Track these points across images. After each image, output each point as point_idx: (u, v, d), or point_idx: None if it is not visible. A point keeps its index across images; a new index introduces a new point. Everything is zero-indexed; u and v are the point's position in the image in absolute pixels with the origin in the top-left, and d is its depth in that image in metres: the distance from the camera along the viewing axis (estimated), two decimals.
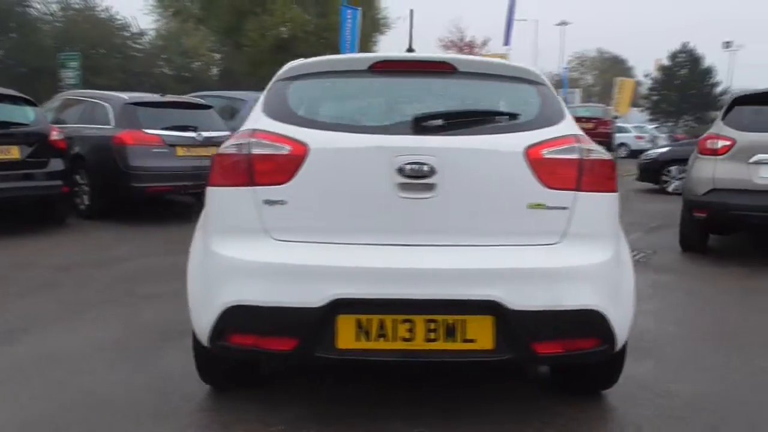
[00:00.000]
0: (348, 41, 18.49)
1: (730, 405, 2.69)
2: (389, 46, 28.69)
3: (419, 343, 2.14)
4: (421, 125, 2.23)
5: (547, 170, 2.20)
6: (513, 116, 2.36)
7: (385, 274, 2.13)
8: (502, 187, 2.20)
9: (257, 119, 2.41)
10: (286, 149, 2.21)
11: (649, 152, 13.34)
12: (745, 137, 5.25)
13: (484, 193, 2.19)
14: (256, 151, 2.24)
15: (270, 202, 2.20)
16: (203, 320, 2.28)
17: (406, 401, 2.65)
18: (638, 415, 2.57)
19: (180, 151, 7.11)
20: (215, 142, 7.43)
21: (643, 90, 49.63)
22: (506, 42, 21.93)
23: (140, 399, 2.66)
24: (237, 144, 2.30)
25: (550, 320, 2.13)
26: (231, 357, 2.44)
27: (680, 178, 11.20)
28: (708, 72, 46.69)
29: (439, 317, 2.13)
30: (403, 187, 2.16)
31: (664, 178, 12.34)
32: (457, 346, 2.14)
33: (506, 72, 2.55)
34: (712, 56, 57.20)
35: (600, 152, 2.31)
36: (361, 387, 2.78)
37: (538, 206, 2.19)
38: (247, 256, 2.20)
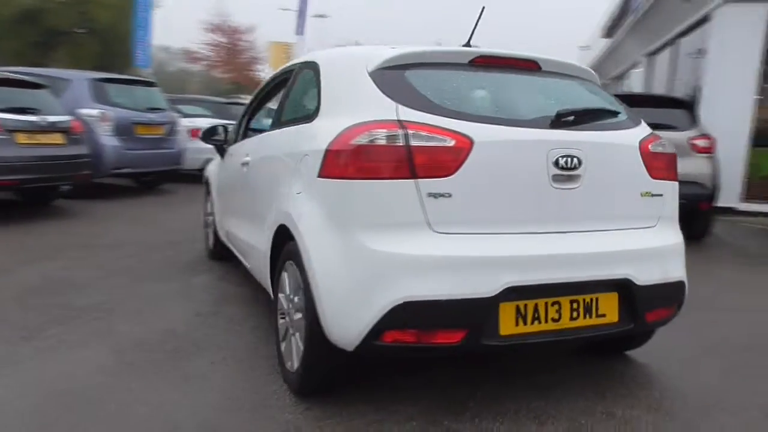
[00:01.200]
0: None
1: None
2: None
3: (565, 323, 2.31)
4: (561, 120, 2.38)
5: (652, 163, 2.53)
6: (616, 114, 2.64)
7: (547, 260, 2.25)
8: (625, 177, 2.47)
9: (387, 108, 2.28)
10: (449, 141, 2.17)
11: None
12: None
13: (613, 182, 2.44)
14: (415, 143, 2.16)
15: (434, 195, 2.15)
16: (356, 321, 2.14)
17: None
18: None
19: (21, 138, 5.93)
20: (61, 128, 6.37)
21: None
22: (299, 31, 22.10)
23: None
24: (387, 135, 2.18)
25: (661, 292, 2.47)
26: (383, 355, 2.31)
27: None
28: None
29: (579, 297, 2.33)
30: (556, 178, 2.29)
31: None
32: (593, 321, 2.36)
33: (579, 73, 2.80)
34: None
35: (669, 146, 2.71)
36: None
37: (647, 194, 2.52)
38: (414, 251, 2.12)
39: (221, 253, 4.75)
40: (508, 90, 2.59)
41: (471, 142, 2.18)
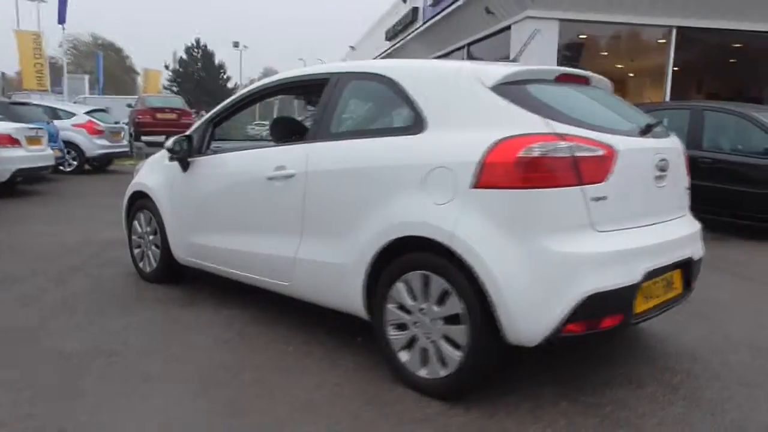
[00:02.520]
0: None
1: None
2: None
3: (661, 297, 2.82)
4: (648, 130, 2.85)
5: (686, 163, 3.17)
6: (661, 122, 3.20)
7: (663, 246, 2.72)
8: (680, 175, 3.05)
9: (534, 122, 2.50)
10: (601, 151, 2.49)
11: None
12: None
13: (676, 180, 2.99)
14: (579, 153, 2.44)
15: (596, 199, 2.46)
16: (546, 317, 2.36)
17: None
18: None
19: None
20: None
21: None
22: (61, 20, 19.45)
23: None
24: (555, 147, 2.41)
25: (699, 266, 3.13)
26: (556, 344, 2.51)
27: None
28: (221, 67, 51.20)
29: (668, 275, 2.86)
30: (657, 178, 2.78)
31: None
32: (671, 294, 2.91)
33: (604, 85, 3.30)
34: (222, 53, 62.82)
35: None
36: None
37: (687, 189, 3.15)
38: (590, 249, 2.41)
39: (168, 275, 4.33)
40: (588, 102, 2.98)
41: (614, 151, 2.53)
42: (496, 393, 2.67)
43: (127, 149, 14.26)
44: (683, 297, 3.00)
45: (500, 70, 2.71)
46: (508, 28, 11.54)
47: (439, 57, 16.82)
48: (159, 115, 18.92)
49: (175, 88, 47.96)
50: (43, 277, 4.51)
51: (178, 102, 19.82)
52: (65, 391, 2.66)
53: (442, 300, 2.59)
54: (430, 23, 15.38)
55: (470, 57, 14.62)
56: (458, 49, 14.89)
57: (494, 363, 2.59)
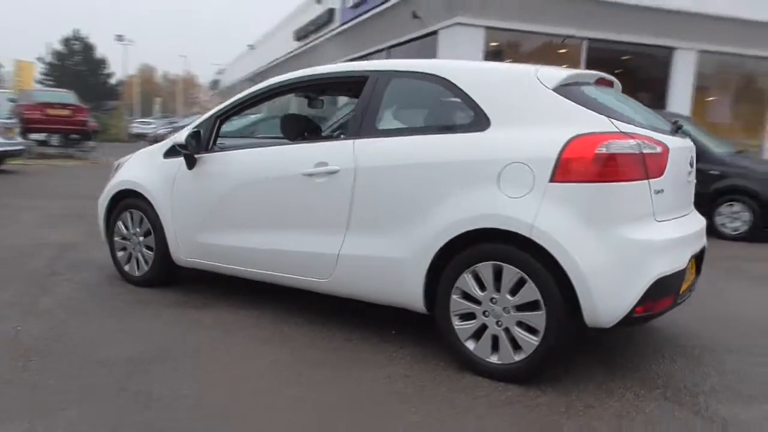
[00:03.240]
0: None
1: None
2: None
3: (689, 281, 3.15)
4: (677, 129, 3.17)
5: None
6: None
7: (697, 235, 3.06)
8: (691, 170, 3.40)
9: (600, 121, 2.71)
10: (659, 149, 2.75)
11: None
12: None
13: (694, 177, 3.33)
14: (645, 150, 2.68)
15: (657, 192, 2.71)
16: (622, 300, 2.59)
17: None
18: None
19: None
20: None
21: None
22: None
23: None
24: (627, 145, 2.63)
25: (703, 254, 3.50)
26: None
27: None
28: (102, 62, 47.99)
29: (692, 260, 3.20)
30: (688, 174, 3.10)
31: None
32: (692, 278, 3.26)
33: (620, 89, 3.60)
34: (104, 47, 58.82)
35: None
36: None
37: (692, 182, 3.52)
38: (657, 237, 2.67)
39: (161, 278, 4.14)
40: (625, 103, 3.23)
41: (668, 148, 2.81)
42: (556, 375, 2.84)
43: (22, 147, 13.05)
44: (696, 281, 3.36)
45: (559, 73, 2.91)
46: (435, 33, 11.92)
47: (356, 59, 16.98)
48: (50, 111, 17.49)
49: (50, 82, 44.32)
50: (20, 284, 4.12)
51: (70, 98, 18.41)
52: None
53: (516, 288, 2.72)
54: (350, 25, 15.49)
55: (383, 58, 14.90)
56: (379, 51, 15.12)
57: (568, 346, 2.76)
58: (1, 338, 3.12)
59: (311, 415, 2.44)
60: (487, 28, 11.25)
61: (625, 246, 2.60)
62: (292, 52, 22.35)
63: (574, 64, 12.41)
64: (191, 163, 3.84)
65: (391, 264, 3.05)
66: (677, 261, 2.75)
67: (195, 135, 3.77)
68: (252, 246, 3.58)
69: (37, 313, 3.57)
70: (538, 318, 2.67)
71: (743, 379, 2.96)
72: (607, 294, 2.57)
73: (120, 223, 4.30)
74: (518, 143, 2.76)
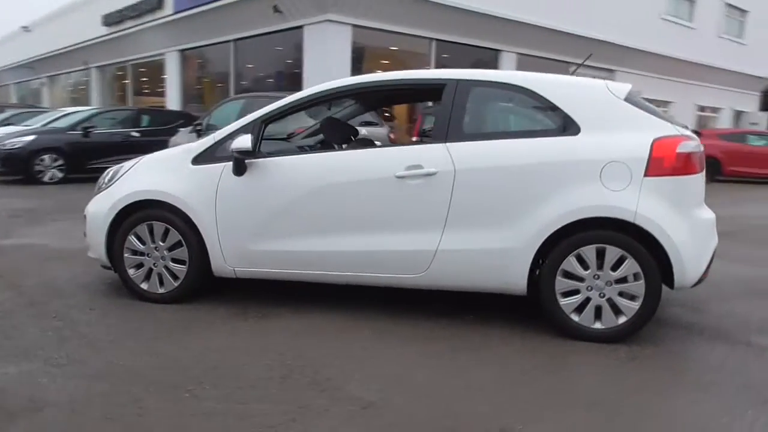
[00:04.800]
0: None
1: None
2: None
3: None
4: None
5: None
6: None
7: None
8: None
9: (664, 125, 3.39)
10: (702, 147, 3.52)
11: (11, 141, 12.20)
12: None
13: None
14: (700, 149, 3.43)
15: (701, 183, 3.49)
16: (700, 266, 3.30)
17: None
18: None
19: None
20: None
21: None
22: None
23: None
24: (694, 145, 3.35)
25: None
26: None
27: (56, 167, 11.71)
28: None
29: None
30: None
31: (38, 167, 11.99)
32: None
33: None
34: None
35: None
36: None
37: None
38: (711, 216, 3.45)
39: (191, 293, 3.96)
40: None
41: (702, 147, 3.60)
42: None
43: None
44: None
45: (625, 86, 3.53)
46: (299, 28, 11.99)
47: (190, 49, 16.14)
48: None
49: None
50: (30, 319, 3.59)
51: None
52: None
53: (617, 265, 3.30)
54: (188, 14, 14.67)
55: (236, 52, 14.51)
56: (221, 43, 14.60)
57: (657, 307, 3.41)
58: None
59: (491, 393, 2.71)
60: (354, 26, 11.67)
61: (700, 224, 3.33)
62: (99, 38, 20.24)
63: (425, 61, 13.47)
64: (241, 170, 3.72)
65: (496, 254, 3.41)
66: (716, 237, 3.56)
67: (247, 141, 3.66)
68: (330, 249, 3.62)
69: (88, 336, 3.21)
70: (637, 287, 3.28)
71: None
72: (692, 262, 3.27)
73: (132, 238, 3.94)
74: (612, 145, 3.32)
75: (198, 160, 3.86)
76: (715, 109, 25.36)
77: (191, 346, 3.19)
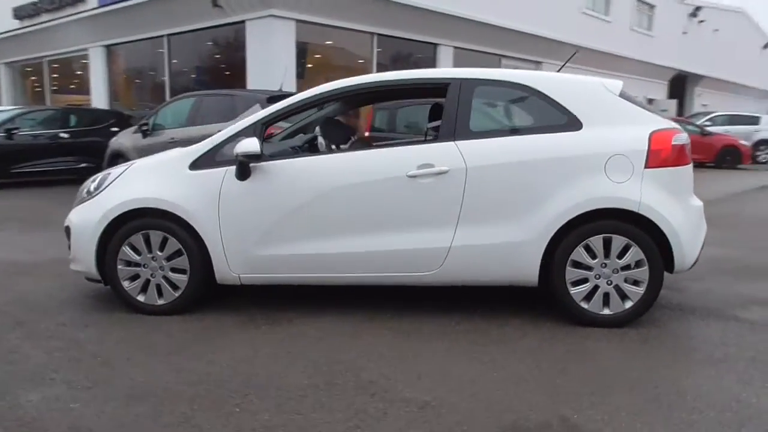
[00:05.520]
0: None
1: None
2: None
3: None
4: None
5: None
6: None
7: None
8: None
9: (657, 119, 3.60)
10: (689, 140, 3.77)
11: None
12: None
13: None
14: (688, 141, 3.67)
15: (692, 173, 3.74)
16: (696, 249, 3.54)
17: None
18: None
19: None
20: None
21: None
22: None
23: None
24: (685, 137, 3.58)
25: None
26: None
27: None
28: None
29: None
30: None
31: None
32: None
33: None
34: None
35: None
36: None
37: None
38: (699, 204, 3.71)
39: (193, 302, 3.85)
40: None
41: None
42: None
43: None
44: None
45: (617, 83, 3.71)
46: (241, 23, 11.68)
47: (118, 44, 15.37)
48: None
49: None
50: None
51: None
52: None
53: (623, 253, 3.48)
54: (116, 7, 13.94)
55: (171, 48, 13.96)
56: (153, 38, 14.00)
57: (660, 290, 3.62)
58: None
59: (534, 385, 2.82)
60: (298, 21, 11.51)
61: (693, 211, 3.58)
62: (11, 31, 18.85)
63: (367, 55, 13.48)
64: (246, 174, 3.64)
65: (508, 248, 3.51)
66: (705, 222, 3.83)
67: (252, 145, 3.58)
68: (340, 251, 3.61)
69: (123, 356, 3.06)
70: (642, 273, 3.48)
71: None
72: (690, 246, 3.50)
73: (126, 248, 3.77)
74: (613, 139, 3.49)
75: (196, 164, 3.74)
76: None
77: (215, 359, 3.10)
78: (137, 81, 16.53)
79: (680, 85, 29.83)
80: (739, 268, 5.08)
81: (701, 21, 28.87)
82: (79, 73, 18.54)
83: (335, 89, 3.77)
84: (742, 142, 16.95)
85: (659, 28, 25.66)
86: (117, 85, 16.51)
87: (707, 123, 19.40)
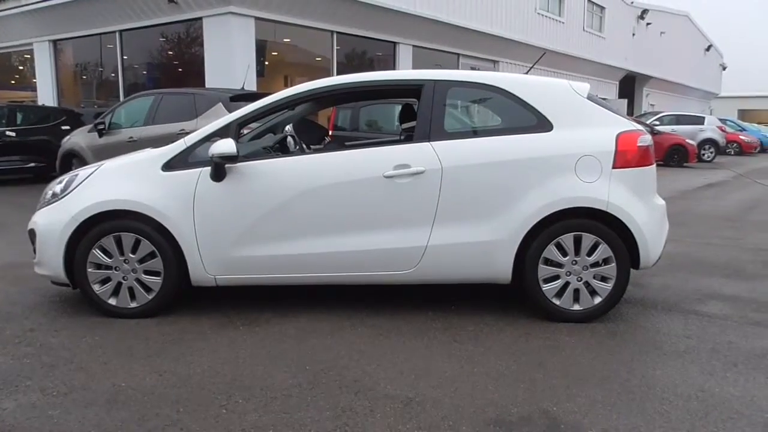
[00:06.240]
0: None
1: None
2: None
3: None
4: None
5: None
6: None
7: None
8: None
9: (623, 121, 3.75)
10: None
11: None
12: None
13: None
14: (652, 143, 3.84)
15: (655, 173, 3.91)
16: (659, 246, 3.70)
17: None
18: None
19: None
20: None
21: None
22: None
23: None
24: (650, 138, 3.74)
25: None
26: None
27: None
28: None
29: None
30: None
31: None
32: None
33: None
34: None
35: None
36: None
37: None
38: (662, 203, 3.88)
39: (166, 305, 3.81)
40: None
41: None
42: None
43: None
44: None
45: (585, 86, 3.85)
46: (197, 20, 11.48)
47: (66, 39, 14.86)
48: None
49: None
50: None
51: None
52: None
53: (592, 251, 3.62)
54: (58, 2, 13.46)
55: (124, 44, 13.59)
56: (104, 34, 13.59)
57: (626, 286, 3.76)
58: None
59: (514, 379, 2.91)
60: (257, 18, 11.38)
61: (657, 209, 3.74)
62: None
63: (326, 53, 13.45)
64: (221, 175, 3.62)
65: (483, 246, 3.61)
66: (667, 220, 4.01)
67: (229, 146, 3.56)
68: (318, 251, 3.63)
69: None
70: (610, 269, 3.62)
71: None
72: (654, 244, 3.67)
73: (97, 251, 3.70)
74: (583, 140, 3.62)
75: (169, 166, 3.69)
76: None
77: (195, 361, 3.08)
78: (85, 78, 16.01)
79: (629, 85, 30.87)
80: (692, 263, 5.33)
81: (649, 23, 29.94)
82: (20, 68, 17.84)
83: (311, 90, 3.78)
84: (689, 141, 17.67)
85: (610, 29, 26.47)
86: (64, 81, 15.96)
87: (656, 123, 20.15)
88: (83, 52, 15.30)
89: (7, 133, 11.43)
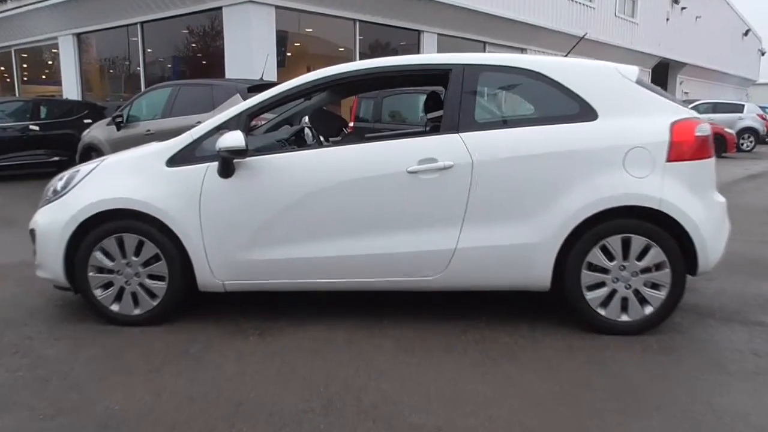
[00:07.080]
0: None
1: None
2: None
3: None
4: None
5: None
6: None
7: None
8: None
9: (678, 108, 3.32)
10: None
11: None
12: None
13: None
14: (711, 133, 3.40)
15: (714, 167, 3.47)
16: (721, 245, 3.29)
17: None
18: None
19: None
20: None
21: None
22: None
23: None
24: (707, 128, 3.30)
25: None
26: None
27: None
28: None
29: None
30: None
31: None
32: None
33: None
34: None
35: None
36: None
37: None
38: (723, 200, 3.43)
39: (172, 311, 3.51)
40: None
41: None
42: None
43: None
44: None
45: (633, 68, 3.43)
46: (217, 9, 11.22)
47: (89, 32, 14.77)
48: None
49: None
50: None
51: None
52: None
53: (642, 255, 3.21)
54: None
55: (144, 36, 13.42)
56: (125, 26, 13.44)
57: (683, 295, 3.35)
58: None
59: (555, 404, 2.55)
60: (278, 7, 11.07)
61: (717, 208, 3.31)
62: None
63: (348, 43, 13.09)
64: (230, 171, 3.30)
65: (518, 250, 3.23)
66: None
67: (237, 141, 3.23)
68: (334, 254, 3.30)
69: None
70: (664, 276, 3.21)
71: None
72: (714, 247, 3.24)
73: (98, 254, 3.42)
74: (632, 130, 3.21)
75: (174, 160, 3.39)
76: None
77: (199, 378, 2.78)
78: (110, 71, 15.93)
79: (663, 73, 29.83)
80: (749, 264, 4.86)
81: (683, 8, 28.85)
82: (50, 62, 17.85)
83: (326, 77, 3.44)
84: (728, 130, 16.88)
85: (643, 14, 25.53)
86: (89, 75, 15.90)
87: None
88: (106, 45, 15.20)
89: (31, 127, 11.34)
